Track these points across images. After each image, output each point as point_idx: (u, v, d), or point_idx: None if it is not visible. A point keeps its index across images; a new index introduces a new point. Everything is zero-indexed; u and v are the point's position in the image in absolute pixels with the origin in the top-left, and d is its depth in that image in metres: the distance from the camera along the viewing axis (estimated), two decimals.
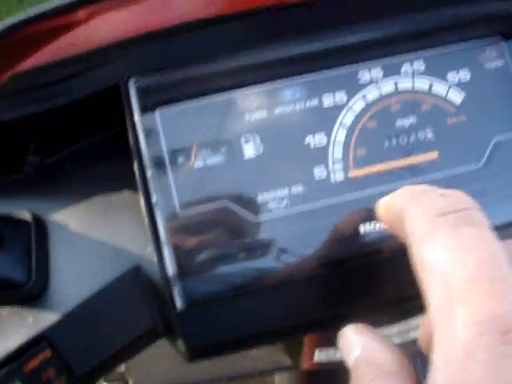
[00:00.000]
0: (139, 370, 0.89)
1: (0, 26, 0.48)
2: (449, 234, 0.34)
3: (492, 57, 0.58)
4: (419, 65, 0.57)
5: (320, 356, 0.69)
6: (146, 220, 0.51)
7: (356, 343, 0.41)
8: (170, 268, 0.51)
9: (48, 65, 0.53)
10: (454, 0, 0.57)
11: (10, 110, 0.52)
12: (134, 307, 0.51)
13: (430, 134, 0.56)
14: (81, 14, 0.55)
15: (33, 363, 0.48)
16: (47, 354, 0.48)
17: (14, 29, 0.50)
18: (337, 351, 0.68)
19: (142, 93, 0.54)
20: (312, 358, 0.69)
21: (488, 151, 0.56)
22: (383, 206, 0.43)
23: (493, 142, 0.56)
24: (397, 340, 0.67)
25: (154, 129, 0.54)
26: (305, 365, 0.70)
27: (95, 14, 0.56)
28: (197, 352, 0.51)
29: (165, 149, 0.54)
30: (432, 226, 0.35)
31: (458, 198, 0.37)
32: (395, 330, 0.66)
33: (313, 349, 0.68)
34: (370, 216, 0.53)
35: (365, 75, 0.57)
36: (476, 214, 0.36)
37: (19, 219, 0.52)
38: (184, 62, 0.55)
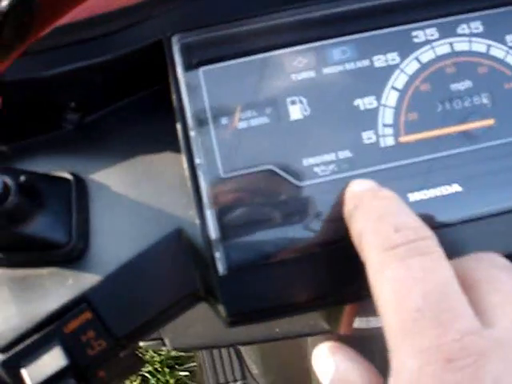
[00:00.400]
0: (176, 329, 0.89)
1: None
2: (397, 266, 0.36)
3: None
4: (476, 26, 0.54)
5: (360, 323, 0.68)
6: (189, 182, 0.50)
7: (330, 364, 0.43)
8: (213, 232, 0.49)
9: (89, 19, 0.52)
10: None
11: (50, 66, 0.50)
12: (175, 271, 0.50)
13: (486, 99, 0.53)
14: None
15: (73, 325, 0.47)
16: (87, 315, 0.47)
17: None
18: (377, 319, 0.66)
19: (186, 50, 0.52)
20: (351, 325, 0.68)
21: None
22: (347, 215, 0.46)
23: None
24: None
25: (198, 87, 0.52)
26: (343, 330, 0.69)
27: None
28: (237, 317, 0.50)
29: (208, 108, 0.52)
30: (382, 258, 0.37)
31: (410, 229, 0.39)
32: None
33: (353, 317, 0.67)
34: (420, 184, 0.51)
35: (419, 35, 0.54)
36: (427, 244, 0.38)
37: (60, 178, 0.51)
38: (229, 18, 0.52)
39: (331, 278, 0.50)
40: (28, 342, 0.47)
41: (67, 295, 0.48)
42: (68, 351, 0.46)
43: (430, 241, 0.39)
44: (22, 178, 0.45)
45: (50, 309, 0.47)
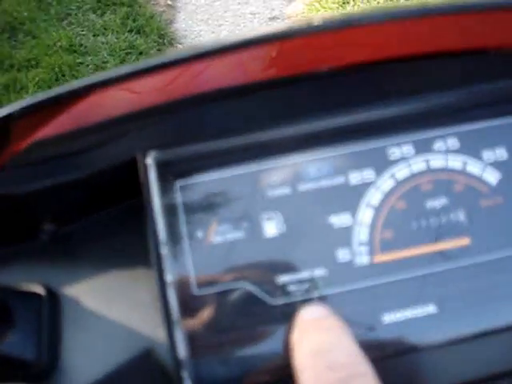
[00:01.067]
0: None
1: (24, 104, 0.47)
2: None
3: None
4: (453, 142, 0.54)
5: None
6: (159, 300, 0.49)
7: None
8: (182, 351, 0.49)
9: (66, 135, 0.52)
10: (490, 74, 0.54)
11: (26, 182, 0.51)
12: None
13: (462, 217, 0.53)
14: None
15: None
16: None
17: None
18: None
19: (161, 166, 0.52)
20: None
21: None
22: (292, 344, 0.46)
23: None
24: None
25: (173, 203, 0.53)
26: None
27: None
28: None
29: (183, 223, 0.52)
30: None
31: (344, 367, 0.39)
32: None
33: None
34: (394, 305, 0.51)
35: (395, 152, 0.54)
36: (360, 382, 0.38)
37: (32, 293, 0.51)
38: (205, 134, 0.53)
39: None
40: None
41: None
42: None
43: (364, 379, 0.39)
44: None
45: None
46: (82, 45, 3.07)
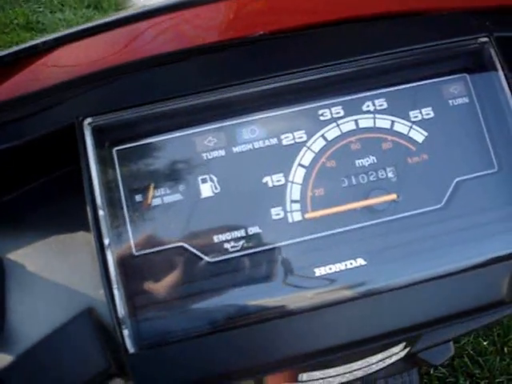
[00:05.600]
0: None
1: None
2: None
3: (457, 93, 0.57)
4: (381, 103, 0.56)
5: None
6: (99, 264, 0.51)
7: None
8: (121, 310, 0.50)
9: (4, 103, 0.53)
10: (417, 38, 0.56)
11: None
12: (88, 349, 0.51)
13: (390, 174, 0.55)
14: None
15: None
16: None
17: None
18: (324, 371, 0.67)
19: (98, 132, 0.53)
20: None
21: (449, 192, 0.55)
22: None
23: (454, 182, 0.55)
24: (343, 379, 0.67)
25: (111, 168, 0.54)
26: None
27: (58, 47, 0.55)
28: None
29: (121, 187, 0.54)
30: None
31: None
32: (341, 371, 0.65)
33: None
34: (326, 258, 0.53)
35: (325, 113, 0.56)
36: None
37: None
38: (140, 100, 0.54)
39: (237, 355, 0.51)
40: None
41: None
42: None
43: None
44: None
45: None
46: (39, 22, 3.02)
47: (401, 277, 0.53)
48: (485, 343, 1.66)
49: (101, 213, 0.52)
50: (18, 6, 3.09)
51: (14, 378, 0.49)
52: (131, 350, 0.50)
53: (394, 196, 0.55)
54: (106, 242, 0.51)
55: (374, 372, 0.66)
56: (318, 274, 0.53)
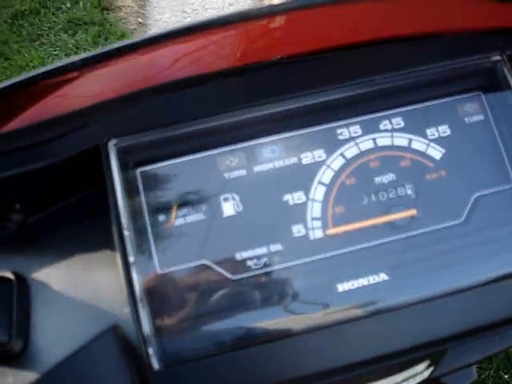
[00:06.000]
0: None
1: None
2: None
3: (472, 111, 0.58)
4: (398, 121, 0.58)
5: None
6: (123, 280, 0.52)
7: None
8: (146, 327, 0.51)
9: (32, 127, 0.55)
10: (432, 58, 0.57)
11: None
12: (112, 366, 0.51)
13: (409, 190, 0.56)
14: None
15: None
16: None
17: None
18: None
19: (122, 154, 0.55)
20: None
21: (468, 207, 0.56)
22: None
23: (473, 198, 0.56)
24: None
25: (135, 188, 0.55)
26: None
27: (83, 73, 0.57)
28: None
29: (145, 208, 0.55)
30: None
31: None
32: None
33: None
34: (348, 274, 0.54)
35: (343, 132, 0.57)
36: None
37: (1, 277, 0.53)
38: (163, 122, 0.55)
39: (263, 372, 0.51)
40: None
41: None
42: None
43: None
44: None
45: None
46: None
47: (423, 291, 0.53)
48: (506, 376, 1.64)
49: (126, 233, 0.53)
50: (33, 49, 3.16)
51: None
52: (156, 367, 0.50)
53: (413, 212, 0.55)
54: (131, 260, 0.52)
55: None
56: (340, 289, 0.53)
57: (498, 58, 0.57)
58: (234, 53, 0.60)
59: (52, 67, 0.46)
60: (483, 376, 1.63)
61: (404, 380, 0.63)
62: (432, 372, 0.64)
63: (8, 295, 0.52)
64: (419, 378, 0.65)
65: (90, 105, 0.56)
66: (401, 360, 0.52)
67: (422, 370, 0.63)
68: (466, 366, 0.69)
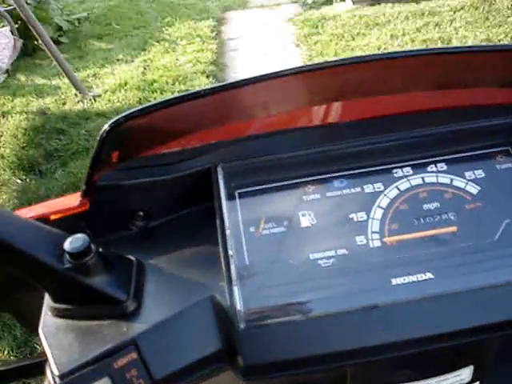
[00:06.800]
0: None
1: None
2: None
3: (502, 160, 0.73)
4: (441, 166, 0.73)
5: None
6: (223, 267, 0.66)
7: None
8: (237, 300, 0.64)
9: (162, 154, 0.74)
10: (469, 116, 0.74)
11: (130, 179, 0.72)
12: (207, 327, 0.64)
13: (451, 215, 0.70)
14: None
15: (121, 362, 0.60)
16: (133, 356, 0.60)
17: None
18: None
19: (227, 176, 0.73)
20: None
21: (501, 229, 0.68)
22: None
23: (505, 223, 0.69)
24: None
25: (234, 205, 0.72)
26: None
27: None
28: (253, 370, 0.62)
29: (241, 220, 0.71)
30: None
31: None
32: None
33: None
34: (400, 273, 0.66)
35: (398, 172, 0.73)
36: None
37: (126, 258, 0.69)
38: (258, 156, 0.73)
39: (341, 338, 0.62)
40: (83, 371, 0.59)
41: (120, 339, 0.61)
42: None
43: None
44: (101, 249, 0.63)
45: (105, 348, 0.61)
46: None
47: (460, 287, 0.64)
48: None
49: (228, 231, 0.69)
50: None
51: (145, 343, 0.61)
52: (241, 326, 0.63)
53: (454, 228, 0.69)
54: (230, 252, 0.67)
55: None
56: (394, 283, 0.65)
57: None
58: (316, 115, 0.79)
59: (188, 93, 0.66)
60: None
61: None
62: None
63: (129, 271, 0.67)
64: None
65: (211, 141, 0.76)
66: (443, 344, 0.63)
67: (466, 377, 0.71)
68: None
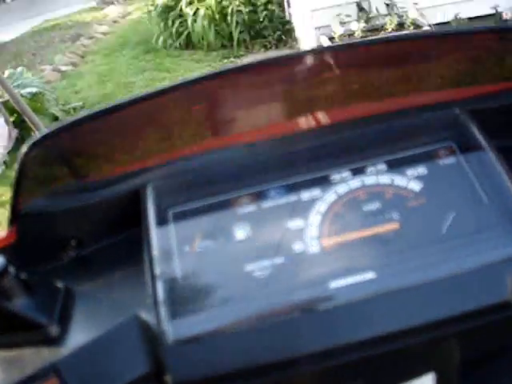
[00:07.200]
0: None
1: None
2: None
3: (445, 156, 0.70)
4: (382, 166, 0.70)
5: None
6: (150, 287, 0.62)
7: None
8: (163, 313, 0.60)
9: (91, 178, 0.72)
10: (404, 115, 0.72)
11: (60, 203, 0.69)
12: (132, 350, 0.59)
13: (393, 213, 0.66)
14: None
15: None
16: (54, 382, 0.56)
17: None
18: None
19: (159, 195, 0.69)
20: None
21: (447, 224, 0.64)
22: None
23: (451, 217, 0.64)
24: None
25: (167, 225, 0.68)
26: None
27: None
28: None
29: (175, 239, 0.67)
30: None
31: None
32: None
33: None
34: (339, 274, 0.61)
35: (336, 177, 0.69)
36: None
37: (53, 285, 0.65)
38: (191, 172, 0.70)
39: (272, 348, 0.58)
40: None
41: (41, 365, 0.57)
42: None
43: None
44: (23, 275, 0.60)
45: (24, 375, 0.56)
46: None
47: (402, 285, 0.60)
48: None
49: (155, 252, 0.65)
50: None
51: (66, 369, 0.57)
52: (168, 342, 0.58)
53: (396, 225, 0.64)
54: (157, 272, 0.63)
55: None
56: (333, 286, 0.61)
57: (458, 112, 0.71)
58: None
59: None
60: None
61: None
62: None
63: (54, 296, 0.63)
64: None
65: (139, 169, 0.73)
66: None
67: None
68: None
